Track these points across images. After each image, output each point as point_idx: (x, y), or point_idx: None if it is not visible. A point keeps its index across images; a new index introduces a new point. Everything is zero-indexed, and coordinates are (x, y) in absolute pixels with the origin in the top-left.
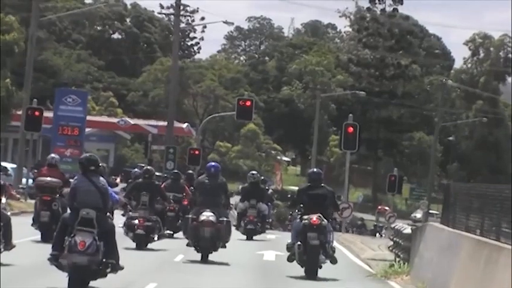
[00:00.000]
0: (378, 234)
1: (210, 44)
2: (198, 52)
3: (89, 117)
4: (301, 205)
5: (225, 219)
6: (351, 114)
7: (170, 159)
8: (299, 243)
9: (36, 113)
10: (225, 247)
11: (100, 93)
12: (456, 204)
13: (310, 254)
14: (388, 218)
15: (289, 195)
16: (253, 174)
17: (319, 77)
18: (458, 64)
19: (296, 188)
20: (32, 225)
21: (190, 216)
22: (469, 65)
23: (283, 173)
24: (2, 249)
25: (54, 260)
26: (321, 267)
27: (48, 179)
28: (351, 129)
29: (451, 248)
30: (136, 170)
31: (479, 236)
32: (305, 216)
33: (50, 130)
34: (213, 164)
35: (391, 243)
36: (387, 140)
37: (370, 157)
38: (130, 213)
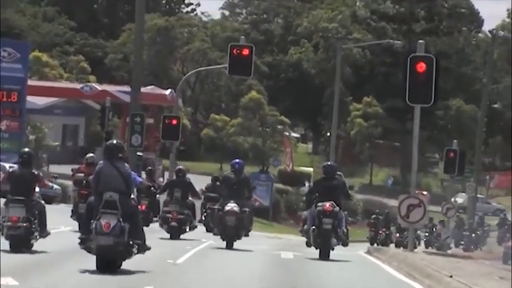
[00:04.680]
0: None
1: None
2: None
3: (44, 83)
4: (317, 194)
5: (247, 209)
6: (421, 41)
7: (137, 132)
8: (313, 227)
9: None
10: (248, 235)
11: (70, 58)
12: None
13: (323, 237)
14: (446, 211)
15: (307, 185)
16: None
17: (333, 36)
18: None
19: (308, 169)
20: (71, 216)
21: (216, 207)
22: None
23: (293, 151)
24: (38, 237)
25: (82, 243)
26: (333, 249)
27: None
28: (422, 66)
29: None
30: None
31: None
32: (319, 204)
33: None
34: (237, 161)
35: None
36: None
37: (398, 130)
38: (164, 207)
